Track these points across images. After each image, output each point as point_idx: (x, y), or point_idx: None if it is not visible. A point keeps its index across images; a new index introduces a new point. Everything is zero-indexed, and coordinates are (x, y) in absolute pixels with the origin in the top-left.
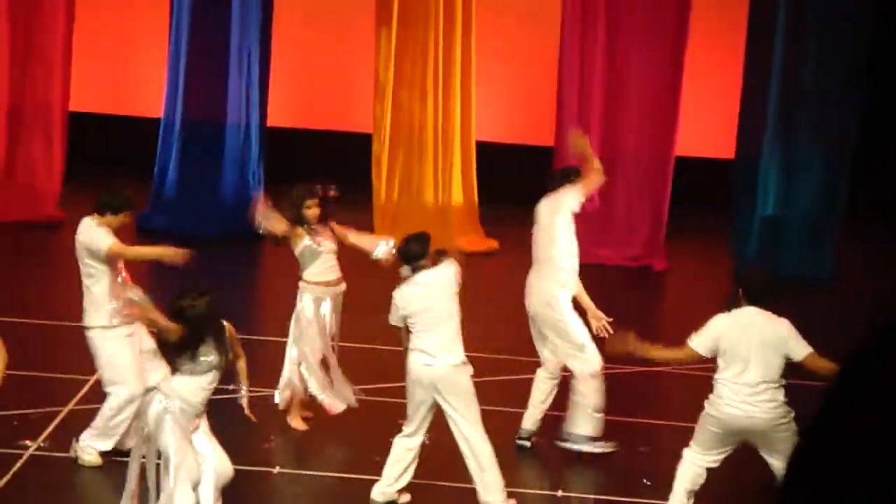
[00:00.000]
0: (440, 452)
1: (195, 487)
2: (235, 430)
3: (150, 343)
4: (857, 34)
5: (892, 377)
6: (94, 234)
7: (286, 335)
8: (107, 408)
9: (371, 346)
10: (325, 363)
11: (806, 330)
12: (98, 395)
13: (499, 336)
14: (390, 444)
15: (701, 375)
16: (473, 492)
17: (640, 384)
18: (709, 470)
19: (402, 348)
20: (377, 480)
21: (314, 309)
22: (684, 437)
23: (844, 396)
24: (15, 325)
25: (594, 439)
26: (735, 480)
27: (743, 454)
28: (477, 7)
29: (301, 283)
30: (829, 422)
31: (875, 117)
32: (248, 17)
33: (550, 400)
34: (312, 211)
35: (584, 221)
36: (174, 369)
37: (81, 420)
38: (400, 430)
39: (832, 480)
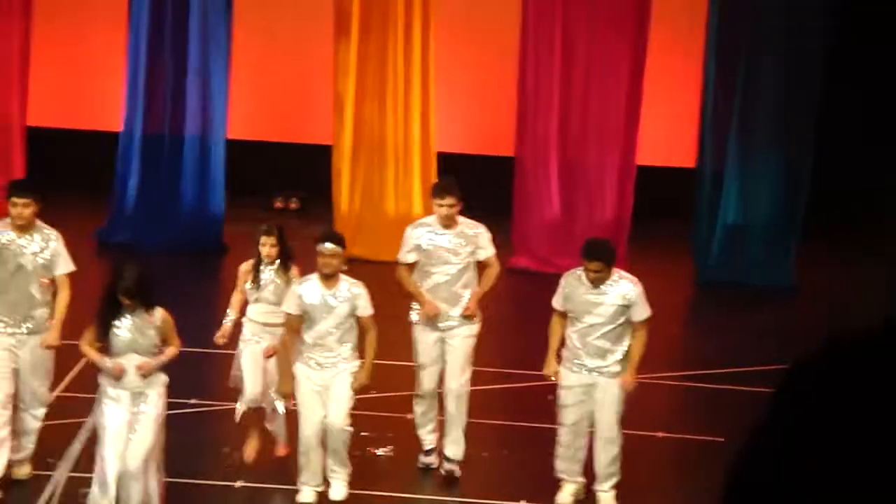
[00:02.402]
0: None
1: None
2: (195, 445)
3: None
4: (819, 44)
5: (838, 390)
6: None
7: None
8: None
9: None
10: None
11: (767, 336)
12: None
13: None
14: (355, 456)
15: (663, 384)
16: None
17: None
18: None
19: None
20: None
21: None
22: (648, 445)
23: (789, 406)
24: None
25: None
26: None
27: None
28: (435, 18)
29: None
30: (771, 432)
31: (835, 126)
32: (206, 31)
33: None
34: (265, 249)
35: (546, 230)
36: None
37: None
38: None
39: (772, 490)
